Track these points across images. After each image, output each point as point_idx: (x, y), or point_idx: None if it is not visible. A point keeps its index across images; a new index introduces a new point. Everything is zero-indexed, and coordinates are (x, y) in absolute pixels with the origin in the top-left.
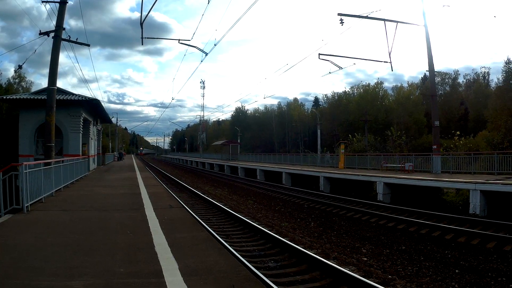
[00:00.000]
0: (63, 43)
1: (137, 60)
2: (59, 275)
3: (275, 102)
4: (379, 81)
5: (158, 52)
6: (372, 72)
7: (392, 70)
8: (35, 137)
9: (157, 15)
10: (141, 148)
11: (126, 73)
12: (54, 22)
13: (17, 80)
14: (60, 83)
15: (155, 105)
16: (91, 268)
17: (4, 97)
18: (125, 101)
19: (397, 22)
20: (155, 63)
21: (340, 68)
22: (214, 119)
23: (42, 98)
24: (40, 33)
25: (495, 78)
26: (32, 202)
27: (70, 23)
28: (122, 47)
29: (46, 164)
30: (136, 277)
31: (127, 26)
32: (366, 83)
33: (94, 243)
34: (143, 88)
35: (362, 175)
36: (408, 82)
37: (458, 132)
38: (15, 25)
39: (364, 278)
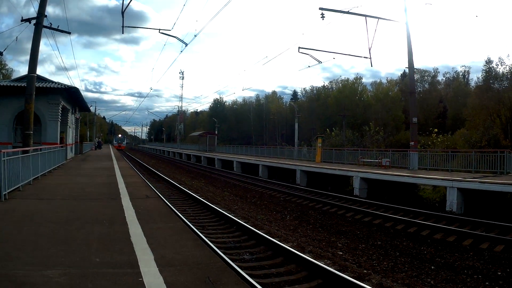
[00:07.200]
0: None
1: (114, 48)
2: (35, 264)
3: (253, 94)
4: (358, 77)
5: (134, 41)
6: (349, 68)
7: (371, 66)
8: (14, 125)
9: (134, 4)
10: (119, 136)
11: (103, 61)
12: (33, 9)
13: None
14: (38, 71)
15: (132, 95)
16: (67, 257)
17: None
18: (102, 89)
19: (378, 18)
20: (132, 52)
21: (320, 62)
22: (192, 110)
23: (22, 85)
24: (22, 20)
25: (475, 77)
26: (9, 190)
27: (48, 9)
28: (99, 35)
29: (24, 152)
30: (112, 267)
31: (105, 14)
32: (345, 78)
33: (70, 232)
34: (120, 77)
35: (339, 170)
36: (387, 78)
37: (436, 130)
38: None
39: (339, 272)
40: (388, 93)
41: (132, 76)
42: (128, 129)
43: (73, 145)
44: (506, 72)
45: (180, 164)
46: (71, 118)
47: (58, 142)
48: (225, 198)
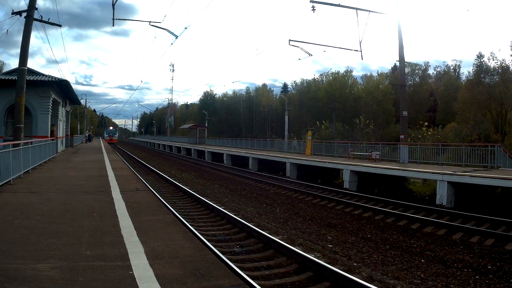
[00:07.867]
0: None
1: (104, 41)
2: (26, 258)
3: (243, 87)
4: (349, 69)
5: (125, 33)
6: (340, 61)
7: (362, 59)
8: (5, 118)
9: None
10: (110, 128)
11: (93, 54)
12: (24, 1)
13: None
14: (29, 64)
15: (122, 87)
16: (58, 250)
17: None
18: (93, 82)
19: (370, 11)
20: (122, 45)
21: (310, 55)
22: (182, 103)
23: (13, 78)
24: (13, 13)
25: (466, 71)
26: (0, 183)
27: (38, 2)
28: (89, 28)
29: (15, 145)
30: (102, 260)
31: (95, 6)
32: (335, 71)
33: (61, 225)
34: (110, 69)
35: (329, 162)
36: (377, 71)
37: (426, 123)
38: None
39: (329, 265)
40: (379, 86)
41: (122, 69)
42: (119, 121)
43: (64, 138)
44: (497, 67)
45: (170, 156)
46: (61, 111)
47: (49, 135)
48: (215, 191)
